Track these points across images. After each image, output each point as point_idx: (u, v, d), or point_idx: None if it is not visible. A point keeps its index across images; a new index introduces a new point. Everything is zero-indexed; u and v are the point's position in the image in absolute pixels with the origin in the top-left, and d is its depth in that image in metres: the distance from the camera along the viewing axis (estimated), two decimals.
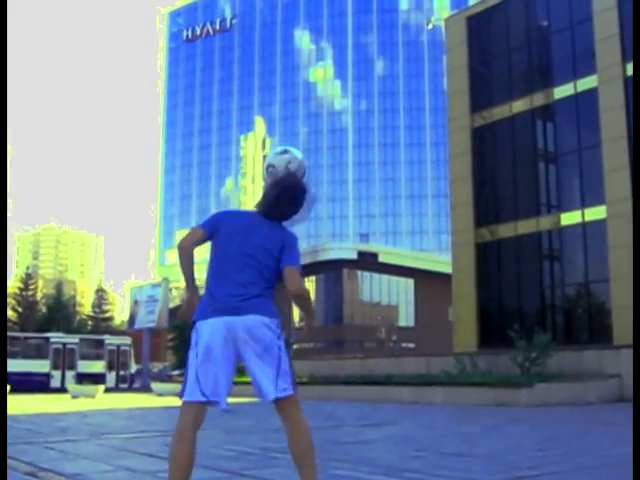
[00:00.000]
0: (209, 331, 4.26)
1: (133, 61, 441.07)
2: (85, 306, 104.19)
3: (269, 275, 4.39)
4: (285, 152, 4.62)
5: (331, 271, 77.70)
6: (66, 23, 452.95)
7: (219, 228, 4.56)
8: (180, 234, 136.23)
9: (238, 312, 4.27)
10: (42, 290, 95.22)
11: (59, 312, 69.98)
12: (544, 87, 34.39)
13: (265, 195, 4.52)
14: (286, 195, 4.45)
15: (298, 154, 4.65)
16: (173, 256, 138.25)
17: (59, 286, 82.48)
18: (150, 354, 53.56)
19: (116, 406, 25.00)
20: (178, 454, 4.29)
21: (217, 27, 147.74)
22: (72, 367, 46.77)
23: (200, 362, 4.26)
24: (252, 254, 4.40)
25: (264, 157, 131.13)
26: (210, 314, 4.30)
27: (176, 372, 52.80)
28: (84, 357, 47.99)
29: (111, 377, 48.20)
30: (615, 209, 28.86)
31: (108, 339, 51.75)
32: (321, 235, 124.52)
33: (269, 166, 4.60)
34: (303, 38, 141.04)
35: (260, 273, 4.38)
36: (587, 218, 31.23)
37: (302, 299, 4.44)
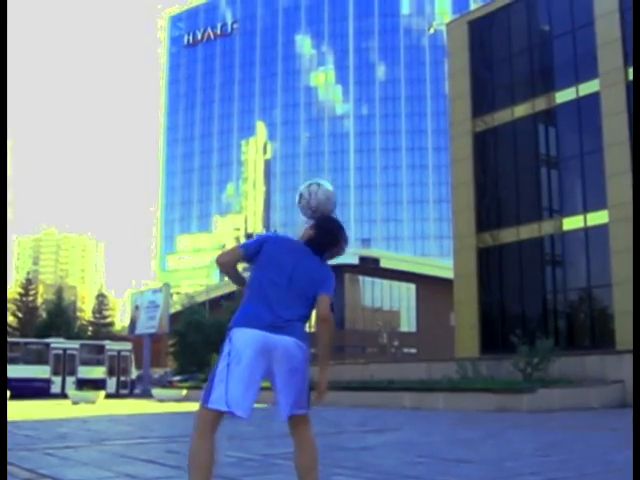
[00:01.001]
0: (246, 341, 4.30)
1: (134, 65, 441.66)
2: (86, 311, 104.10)
3: (308, 304, 4.53)
4: (313, 185, 4.82)
5: None
6: (67, 28, 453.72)
7: (265, 251, 4.61)
8: (181, 239, 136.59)
9: (281, 332, 4.35)
10: (42, 295, 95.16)
11: (59, 317, 69.80)
12: (546, 92, 34.35)
13: (313, 236, 4.70)
14: (330, 240, 4.71)
15: (327, 186, 4.84)
16: (174, 261, 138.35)
17: (59, 291, 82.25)
18: (151, 360, 53.47)
19: (117, 412, 25.00)
20: (201, 459, 4.27)
21: (218, 32, 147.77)
22: (72, 373, 46.59)
23: (231, 372, 4.27)
24: (299, 285, 4.52)
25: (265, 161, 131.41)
26: (251, 325, 4.35)
27: (177, 378, 52.72)
28: (84, 363, 47.80)
29: (112, 383, 48.00)
30: (617, 214, 28.74)
31: (109, 345, 51.57)
32: None
33: (299, 196, 4.80)
34: (304, 43, 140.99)
35: (303, 303, 4.51)
36: (589, 223, 31.17)
37: (324, 327, 4.50)
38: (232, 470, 7.58)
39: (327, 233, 4.67)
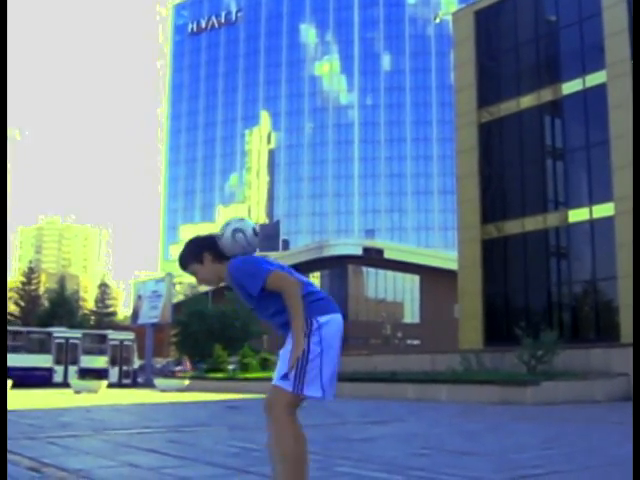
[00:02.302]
0: (337, 328, 4.42)
1: (137, 54, 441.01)
2: (88, 301, 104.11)
3: None
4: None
5: (336, 267, 77.73)
6: (69, 16, 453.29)
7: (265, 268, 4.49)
8: (184, 229, 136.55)
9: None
10: (45, 284, 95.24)
11: (62, 307, 69.74)
12: (552, 82, 34.24)
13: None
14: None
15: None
16: (177, 251, 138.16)
17: (62, 280, 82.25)
18: (153, 350, 53.48)
19: (119, 402, 24.99)
20: (300, 449, 4.26)
21: (222, 20, 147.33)
22: (75, 362, 46.63)
23: (323, 359, 4.31)
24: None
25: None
26: (332, 310, 4.44)
27: (179, 368, 52.73)
28: (87, 352, 47.82)
29: (114, 372, 48.04)
30: (623, 206, 28.64)
31: (111, 334, 51.59)
32: (326, 231, 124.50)
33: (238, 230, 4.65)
34: (309, 32, 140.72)
35: None
36: (595, 215, 31.12)
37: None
38: (236, 460, 7.57)
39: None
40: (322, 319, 4.34)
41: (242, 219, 4.67)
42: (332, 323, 4.37)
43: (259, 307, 4.51)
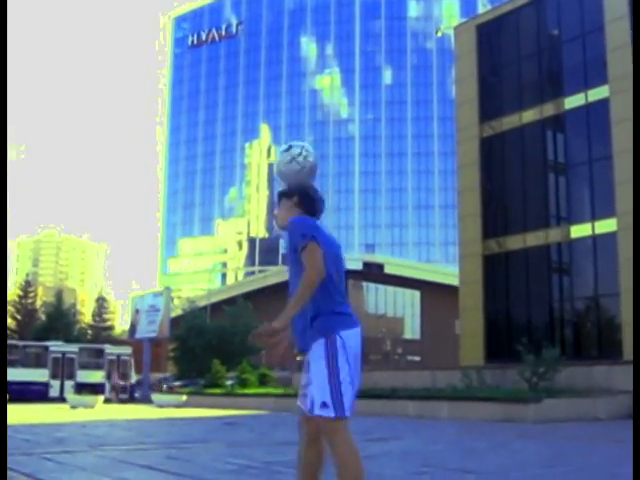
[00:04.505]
0: (357, 344, 4.51)
1: (137, 66, 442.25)
2: (85, 315, 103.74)
3: None
4: (310, 155, 4.96)
5: None
6: (68, 29, 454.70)
7: (321, 243, 4.55)
8: (183, 242, 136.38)
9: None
10: (42, 298, 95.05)
11: (59, 320, 69.36)
12: (554, 97, 34.17)
13: (312, 208, 4.88)
14: (323, 207, 5.00)
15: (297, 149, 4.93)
16: (175, 265, 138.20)
17: (59, 294, 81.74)
18: (151, 364, 53.22)
19: (116, 417, 24.96)
20: (363, 471, 4.38)
21: (223, 33, 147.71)
22: (71, 377, 46.38)
23: (353, 376, 4.45)
24: (344, 273, 4.76)
25: (270, 165, 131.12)
26: (353, 324, 4.53)
27: (177, 383, 52.47)
28: (83, 366, 47.60)
29: (111, 387, 47.78)
30: (626, 222, 28.43)
31: (108, 348, 51.41)
32: None
33: (293, 160, 4.89)
34: (309, 45, 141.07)
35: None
36: (597, 231, 31.03)
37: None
38: (234, 477, 7.69)
39: (322, 200, 4.93)
40: (344, 333, 4.42)
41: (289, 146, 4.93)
42: (353, 336, 4.47)
43: (292, 269, 4.58)
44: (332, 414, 4.30)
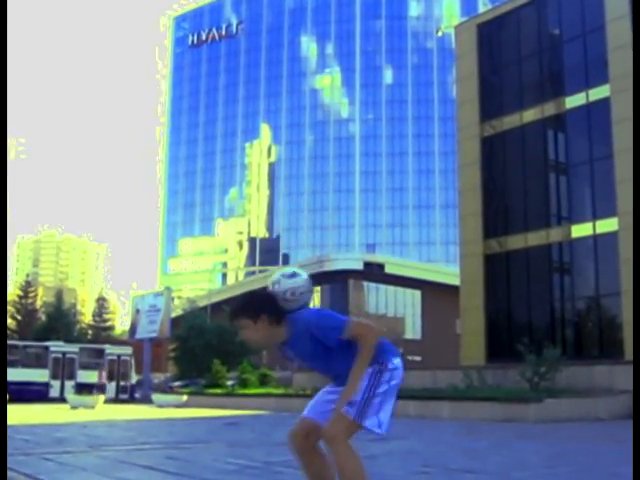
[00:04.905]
0: (402, 373, 4.65)
1: (137, 66, 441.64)
2: (86, 315, 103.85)
3: None
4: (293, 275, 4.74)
5: (337, 282, 77.47)
6: (68, 29, 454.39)
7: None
8: (183, 242, 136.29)
9: None
10: (42, 298, 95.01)
11: (59, 321, 69.38)
12: (555, 96, 34.14)
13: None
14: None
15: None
16: (175, 265, 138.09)
17: (59, 294, 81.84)
18: (151, 364, 53.16)
19: (116, 417, 24.87)
20: (364, 474, 4.50)
21: (223, 32, 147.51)
22: (71, 377, 46.34)
23: (388, 397, 4.56)
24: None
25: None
26: (399, 355, 4.67)
27: (177, 383, 52.42)
28: (84, 367, 47.57)
29: (111, 387, 47.74)
30: (627, 221, 28.39)
31: (108, 349, 51.39)
32: (327, 245, 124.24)
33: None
34: (310, 44, 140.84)
35: None
36: (598, 230, 31.01)
37: None
38: (234, 477, 7.67)
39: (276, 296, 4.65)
40: (395, 362, 4.58)
41: (294, 274, 4.68)
42: (400, 371, 4.61)
43: (328, 355, 4.52)
44: (353, 414, 4.42)
